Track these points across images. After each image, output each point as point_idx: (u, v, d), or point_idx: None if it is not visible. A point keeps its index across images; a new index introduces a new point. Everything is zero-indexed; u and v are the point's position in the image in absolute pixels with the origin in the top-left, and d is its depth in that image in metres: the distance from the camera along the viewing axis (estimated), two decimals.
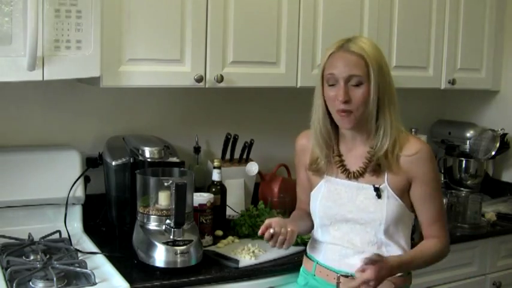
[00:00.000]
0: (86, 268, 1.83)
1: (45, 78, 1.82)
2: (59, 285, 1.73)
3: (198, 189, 2.26)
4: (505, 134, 3.03)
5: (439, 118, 3.40)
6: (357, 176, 1.82)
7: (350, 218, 1.82)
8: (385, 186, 1.78)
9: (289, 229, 1.78)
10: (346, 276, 1.80)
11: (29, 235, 2.05)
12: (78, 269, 1.84)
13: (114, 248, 2.11)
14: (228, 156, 2.58)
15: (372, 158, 1.79)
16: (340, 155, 1.86)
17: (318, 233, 1.92)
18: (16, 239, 2.06)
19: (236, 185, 2.54)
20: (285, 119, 2.87)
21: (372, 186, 1.78)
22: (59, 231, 2.14)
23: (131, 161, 2.18)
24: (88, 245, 2.10)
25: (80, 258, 1.93)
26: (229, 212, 2.42)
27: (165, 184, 1.95)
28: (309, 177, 1.94)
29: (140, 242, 1.97)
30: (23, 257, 1.93)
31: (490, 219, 2.70)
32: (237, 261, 2.01)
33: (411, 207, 1.83)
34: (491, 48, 3.06)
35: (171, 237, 1.93)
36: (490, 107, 3.23)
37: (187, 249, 1.93)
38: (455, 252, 2.30)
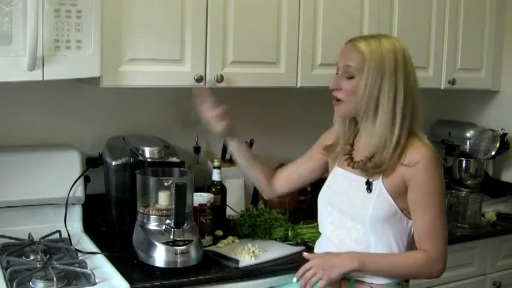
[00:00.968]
0: (86, 268, 1.83)
1: (45, 78, 1.82)
2: (59, 285, 1.73)
3: (198, 189, 2.26)
4: (505, 134, 3.03)
5: (439, 118, 3.40)
6: (356, 166, 1.82)
7: (343, 210, 1.83)
8: (378, 182, 1.77)
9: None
10: None
11: (29, 235, 2.05)
12: (78, 269, 1.84)
13: (114, 248, 2.11)
14: (228, 156, 2.58)
15: (373, 156, 1.79)
16: (352, 145, 1.89)
17: (318, 222, 1.95)
18: (16, 239, 2.06)
19: (236, 185, 2.54)
20: (285, 119, 2.87)
21: (364, 179, 1.78)
22: (59, 231, 2.14)
23: (131, 161, 2.18)
24: (88, 245, 2.11)
25: (80, 258, 1.93)
26: (229, 212, 2.42)
27: (165, 184, 1.95)
28: (321, 162, 1.99)
29: (140, 242, 1.97)
30: (23, 257, 1.93)
31: (490, 219, 2.70)
32: (237, 261, 2.01)
33: (407, 214, 1.77)
34: (491, 48, 3.06)
35: (171, 237, 1.93)
36: (490, 107, 3.23)
37: (187, 249, 1.93)
38: (455, 252, 2.30)
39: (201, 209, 2.16)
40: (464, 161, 3.10)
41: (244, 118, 2.77)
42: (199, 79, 2.18)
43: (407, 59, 1.79)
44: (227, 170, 2.47)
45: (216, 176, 2.34)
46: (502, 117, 3.15)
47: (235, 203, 2.48)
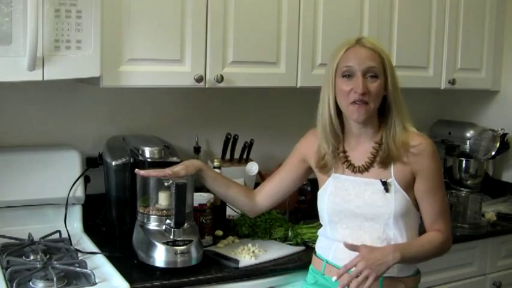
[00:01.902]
0: (86, 268, 1.83)
1: (45, 78, 1.82)
2: (59, 285, 1.73)
3: (198, 189, 2.26)
4: (505, 134, 3.03)
5: (439, 118, 3.40)
6: (362, 170, 1.84)
7: (358, 214, 1.83)
8: (392, 180, 1.81)
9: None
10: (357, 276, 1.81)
11: (29, 235, 2.05)
12: (78, 269, 1.84)
13: (114, 248, 2.11)
14: (228, 156, 2.58)
15: (377, 153, 1.82)
16: (345, 151, 1.89)
17: (326, 231, 1.93)
18: (16, 239, 2.06)
19: None
20: (285, 119, 2.88)
21: (379, 181, 1.80)
22: (59, 231, 2.14)
23: (131, 161, 2.18)
24: (88, 245, 2.10)
25: (80, 258, 1.93)
26: (229, 212, 2.41)
27: (165, 184, 1.95)
28: (303, 172, 2.01)
29: (140, 242, 1.97)
30: (23, 257, 1.93)
31: (490, 219, 2.70)
32: (237, 261, 2.01)
33: (416, 205, 1.85)
34: (491, 48, 3.06)
35: (171, 237, 1.93)
36: (490, 107, 3.23)
37: (187, 249, 1.93)
38: (455, 252, 2.30)
39: (201, 209, 2.16)
40: (464, 161, 3.10)
41: (244, 118, 2.77)
42: (199, 79, 2.18)
43: None
44: (227, 170, 2.47)
45: None
46: (502, 117, 3.15)
47: None
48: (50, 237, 2.10)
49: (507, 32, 3.12)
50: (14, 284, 1.69)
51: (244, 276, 1.99)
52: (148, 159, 2.16)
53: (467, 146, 3.12)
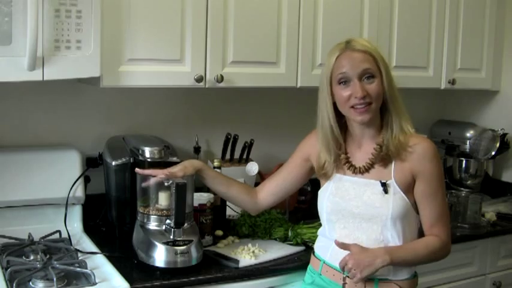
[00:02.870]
0: (86, 268, 1.83)
1: (45, 78, 1.82)
2: (59, 285, 1.73)
3: (198, 189, 2.26)
4: (505, 134, 3.03)
5: (439, 118, 3.40)
6: (362, 171, 1.85)
7: (357, 214, 1.83)
8: (391, 182, 1.80)
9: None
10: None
11: (29, 235, 2.05)
12: (78, 269, 1.84)
13: (114, 248, 2.11)
14: (228, 156, 2.58)
15: (378, 154, 1.82)
16: (346, 153, 1.89)
17: (324, 230, 1.94)
18: (16, 239, 2.06)
19: None
20: (285, 119, 2.88)
21: (378, 182, 1.80)
22: (59, 231, 2.14)
23: (131, 161, 2.18)
24: (88, 245, 2.11)
25: (80, 258, 1.93)
26: (229, 212, 2.41)
27: (165, 184, 1.95)
28: (306, 172, 2.01)
29: (140, 242, 1.97)
30: (23, 257, 1.93)
31: (490, 219, 2.70)
32: (237, 261, 2.01)
33: (416, 208, 1.84)
34: (491, 48, 3.06)
35: (171, 237, 1.93)
36: (490, 107, 3.23)
37: (187, 249, 1.93)
38: (455, 252, 2.30)
39: (201, 209, 2.16)
40: (464, 161, 3.10)
41: (244, 118, 2.77)
42: (199, 79, 2.18)
43: None
44: (227, 170, 2.47)
45: None
46: (502, 117, 3.15)
47: None
48: (50, 237, 2.10)
49: (507, 32, 3.12)
50: (14, 284, 1.69)
51: (244, 276, 1.99)
52: (148, 159, 2.16)
53: (467, 146, 3.12)
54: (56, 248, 2.04)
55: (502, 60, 3.14)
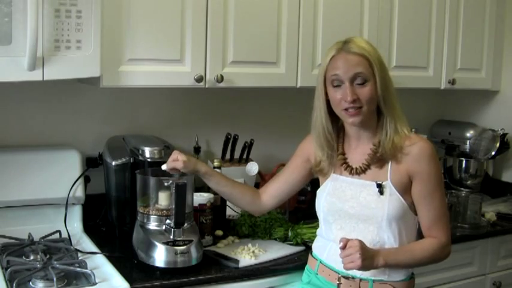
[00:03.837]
0: (86, 268, 1.83)
1: (45, 78, 1.82)
2: (59, 285, 1.73)
3: (198, 189, 2.26)
4: (505, 134, 3.03)
5: (439, 118, 3.40)
6: (359, 172, 1.84)
7: (352, 215, 1.83)
8: (387, 183, 1.80)
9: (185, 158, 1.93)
10: (347, 278, 1.81)
11: (29, 235, 2.05)
12: (78, 269, 1.84)
13: (114, 248, 2.11)
14: (228, 156, 2.58)
15: (374, 155, 1.81)
16: (343, 153, 1.88)
17: (321, 230, 1.94)
18: (16, 239, 2.06)
19: None
20: (285, 119, 2.88)
21: (374, 183, 1.80)
22: (59, 231, 2.14)
23: (131, 161, 2.18)
24: (88, 245, 2.11)
25: (80, 258, 1.93)
26: (229, 212, 2.41)
27: (165, 184, 1.95)
28: (306, 173, 2.00)
29: (140, 242, 1.97)
30: (23, 257, 1.93)
31: (490, 219, 2.70)
32: (237, 261, 2.01)
33: (414, 209, 1.83)
34: (491, 48, 3.06)
35: (171, 237, 1.93)
36: (490, 107, 3.23)
37: (187, 249, 1.93)
38: (455, 252, 2.29)
39: (201, 209, 2.16)
40: (464, 161, 3.10)
41: (244, 118, 2.77)
42: (199, 79, 2.18)
43: None
44: (227, 170, 2.47)
45: None
46: (502, 117, 3.15)
47: None
48: (50, 237, 2.10)
49: (507, 32, 3.12)
50: (14, 284, 1.69)
51: (244, 276, 1.99)
52: (148, 159, 2.16)
53: (467, 146, 3.12)
54: (56, 248, 2.04)
55: (502, 60, 3.14)
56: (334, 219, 1.87)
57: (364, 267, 1.71)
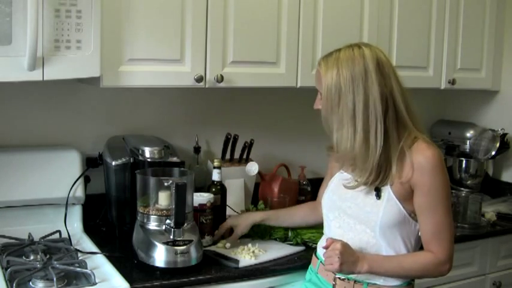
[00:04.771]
0: (86, 268, 1.83)
1: (45, 78, 1.82)
2: (59, 285, 1.73)
3: (198, 189, 2.26)
4: (505, 134, 3.03)
5: (439, 118, 3.40)
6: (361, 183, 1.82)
7: (350, 215, 1.83)
8: (387, 187, 1.77)
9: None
10: (343, 279, 1.82)
11: (29, 235, 2.05)
12: (78, 269, 1.84)
13: (114, 248, 2.11)
14: (228, 156, 2.58)
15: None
16: None
17: (324, 227, 1.95)
18: (16, 239, 2.06)
19: (236, 185, 2.54)
20: (285, 119, 2.87)
21: (373, 186, 1.79)
22: (59, 231, 2.14)
23: (131, 161, 2.18)
24: (88, 245, 2.11)
25: (80, 258, 1.93)
26: (229, 212, 2.41)
27: (165, 184, 1.95)
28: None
29: (140, 242, 1.97)
30: (23, 257, 1.93)
31: (490, 219, 2.70)
32: (237, 261, 2.01)
33: (415, 217, 1.79)
34: (491, 48, 3.06)
35: (171, 237, 1.93)
36: (490, 107, 3.23)
37: (187, 249, 1.93)
38: (455, 252, 2.29)
39: (201, 209, 2.16)
40: (464, 161, 3.10)
41: (244, 118, 2.77)
42: (199, 79, 2.18)
43: (382, 64, 1.74)
44: (227, 170, 2.47)
45: (216, 176, 2.34)
46: (502, 117, 3.15)
47: (235, 203, 2.48)
48: (50, 237, 2.10)
49: (507, 32, 3.12)
50: (14, 284, 1.69)
51: (244, 276, 1.99)
52: (148, 159, 2.16)
53: (467, 146, 3.12)
54: (56, 248, 2.04)
55: (502, 60, 3.14)
56: (334, 216, 1.88)
57: (342, 271, 1.72)
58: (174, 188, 1.92)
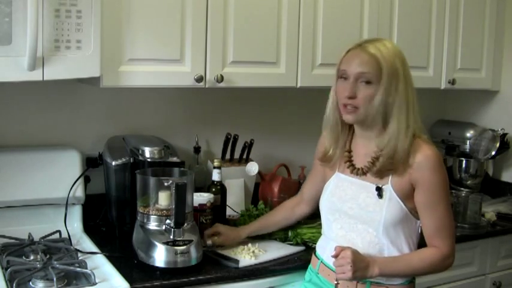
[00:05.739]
0: (86, 268, 1.83)
1: (45, 78, 1.82)
2: (59, 285, 1.73)
3: (198, 189, 2.26)
4: (505, 134, 3.03)
5: (439, 118, 3.40)
6: (361, 173, 1.84)
7: (351, 215, 1.83)
8: (388, 187, 1.78)
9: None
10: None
11: (29, 235, 2.05)
12: (78, 269, 1.84)
13: (114, 248, 2.11)
14: (228, 156, 2.58)
15: (378, 158, 1.79)
16: (350, 151, 1.89)
17: (324, 228, 1.95)
18: (16, 239, 2.06)
19: (236, 185, 2.54)
20: (285, 119, 2.88)
21: (374, 186, 1.79)
22: (59, 231, 2.14)
23: (131, 161, 2.18)
24: (88, 245, 2.11)
25: (80, 258, 1.93)
26: (229, 212, 2.42)
27: (165, 184, 1.95)
28: (324, 171, 1.99)
29: (140, 242, 1.97)
30: (23, 257, 1.93)
31: (490, 219, 2.70)
32: (237, 261, 2.01)
33: (416, 214, 1.81)
34: (491, 48, 3.06)
35: (171, 237, 1.93)
36: (490, 107, 3.23)
37: (187, 249, 1.93)
38: (456, 252, 2.30)
39: (201, 209, 2.16)
40: (464, 161, 3.10)
41: (244, 118, 2.77)
42: (199, 79, 2.18)
43: (406, 61, 1.81)
44: (227, 170, 2.47)
45: (216, 176, 2.34)
46: (502, 117, 3.15)
47: (235, 203, 2.48)
48: (50, 237, 2.10)
49: (507, 32, 3.12)
50: (14, 284, 1.69)
51: (244, 276, 1.99)
52: (148, 159, 2.16)
53: (467, 146, 3.12)
54: (56, 248, 2.04)
55: (502, 60, 3.14)
56: (334, 218, 1.88)
57: (355, 279, 1.73)
58: (174, 188, 1.92)
